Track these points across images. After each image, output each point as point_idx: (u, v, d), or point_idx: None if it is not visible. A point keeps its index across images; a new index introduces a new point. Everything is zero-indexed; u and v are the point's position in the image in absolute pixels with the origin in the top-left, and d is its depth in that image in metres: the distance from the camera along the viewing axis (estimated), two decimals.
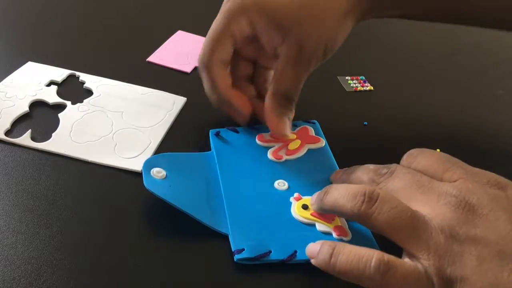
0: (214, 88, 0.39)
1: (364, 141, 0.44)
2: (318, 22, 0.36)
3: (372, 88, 0.52)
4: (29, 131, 0.40)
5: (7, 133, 0.40)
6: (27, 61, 0.49)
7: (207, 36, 0.38)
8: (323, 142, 0.41)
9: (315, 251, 0.28)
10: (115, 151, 0.39)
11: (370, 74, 0.55)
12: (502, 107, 0.52)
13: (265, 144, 0.40)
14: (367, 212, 0.27)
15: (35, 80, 0.46)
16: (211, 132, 0.41)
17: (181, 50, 0.55)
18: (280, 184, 0.36)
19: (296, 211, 0.34)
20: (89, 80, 0.47)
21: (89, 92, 0.46)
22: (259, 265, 0.31)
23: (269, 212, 0.34)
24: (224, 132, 0.41)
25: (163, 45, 0.56)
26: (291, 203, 0.35)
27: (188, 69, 0.52)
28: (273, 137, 0.40)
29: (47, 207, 0.34)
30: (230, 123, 0.42)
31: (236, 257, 0.31)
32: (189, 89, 0.48)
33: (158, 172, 0.35)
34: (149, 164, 0.35)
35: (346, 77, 0.54)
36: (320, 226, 0.33)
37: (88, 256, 0.31)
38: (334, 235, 0.32)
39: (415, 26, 0.70)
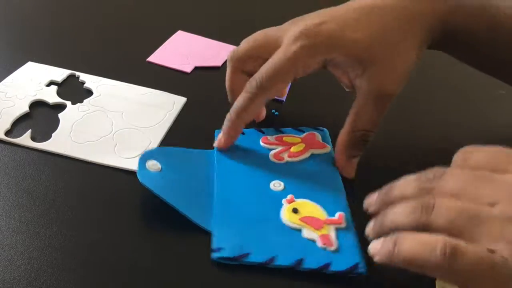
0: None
1: None
2: (395, 57, 0.35)
3: None
4: (29, 131, 0.40)
5: (7, 133, 0.40)
6: (27, 61, 0.49)
7: (270, 66, 0.36)
8: (328, 149, 0.40)
9: (377, 245, 0.27)
10: (115, 151, 0.39)
11: None
12: (503, 107, 0.52)
13: (269, 146, 0.40)
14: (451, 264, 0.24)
15: (35, 80, 0.46)
16: (217, 132, 0.41)
17: (181, 50, 0.55)
18: (276, 185, 0.36)
19: (285, 214, 0.34)
20: (89, 80, 0.47)
21: (89, 92, 0.46)
22: (247, 267, 0.30)
23: (258, 213, 0.34)
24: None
25: (163, 45, 0.56)
26: (282, 205, 0.34)
27: (188, 69, 0.52)
28: (278, 140, 0.40)
29: (47, 207, 0.34)
30: None
31: (213, 255, 0.31)
32: (189, 89, 0.48)
33: (153, 165, 0.35)
34: (146, 156, 0.36)
35: None
36: (306, 233, 0.32)
37: (88, 256, 0.31)
38: (319, 243, 0.31)
39: None
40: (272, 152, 0.39)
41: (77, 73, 0.48)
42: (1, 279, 0.28)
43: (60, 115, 0.42)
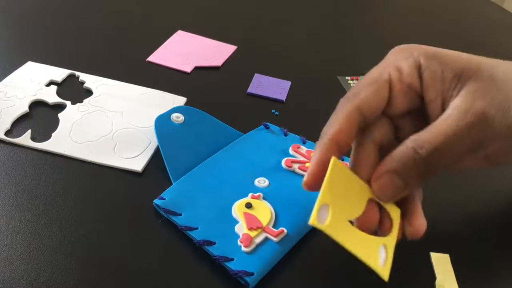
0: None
1: None
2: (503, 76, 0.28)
3: None
4: (29, 131, 0.40)
5: (7, 133, 0.40)
6: (27, 61, 0.49)
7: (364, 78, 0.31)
8: None
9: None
10: (115, 151, 0.39)
11: None
12: None
13: (294, 154, 0.40)
14: None
15: (35, 80, 0.46)
16: (263, 125, 0.43)
17: (181, 50, 0.55)
18: (260, 181, 0.37)
19: (237, 203, 0.34)
20: (89, 80, 0.47)
21: (89, 92, 0.46)
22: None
23: (220, 195, 0.35)
24: (272, 126, 0.43)
25: (163, 45, 0.56)
26: (246, 196, 0.35)
27: (188, 69, 0.52)
28: (307, 153, 0.40)
29: (47, 207, 0.34)
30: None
31: (155, 200, 0.34)
32: (189, 89, 0.48)
33: (177, 117, 0.40)
34: (180, 109, 0.42)
35: (346, 77, 0.54)
36: (238, 226, 0.33)
37: (88, 256, 0.31)
38: (239, 240, 0.32)
39: (415, 26, 0.70)
40: (286, 158, 0.39)
41: (77, 73, 0.48)
42: (1, 279, 0.28)
43: (60, 115, 0.42)
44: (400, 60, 0.30)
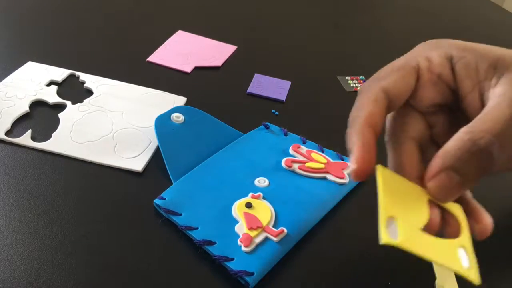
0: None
1: None
2: None
3: None
4: (29, 131, 0.40)
5: (7, 133, 0.40)
6: (27, 61, 0.49)
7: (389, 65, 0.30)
8: (346, 181, 0.38)
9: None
10: (115, 151, 0.39)
11: (370, 74, 0.54)
12: None
13: (294, 154, 0.40)
14: None
15: (35, 80, 0.46)
16: (263, 125, 0.43)
17: (181, 50, 0.55)
18: (260, 181, 0.37)
19: (237, 202, 0.34)
20: (89, 80, 0.47)
21: (89, 92, 0.46)
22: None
23: (220, 197, 0.35)
24: (272, 126, 0.43)
25: (163, 45, 0.56)
26: (246, 196, 0.35)
27: (188, 69, 0.52)
28: (307, 153, 0.40)
29: (47, 207, 0.34)
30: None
31: (155, 200, 0.34)
32: (189, 89, 0.48)
33: (177, 117, 0.40)
34: (180, 109, 0.41)
35: (346, 77, 0.54)
36: (239, 226, 0.33)
37: (88, 256, 0.31)
38: (239, 240, 0.32)
39: (415, 26, 0.70)
40: (286, 158, 0.39)
41: (77, 73, 0.48)
42: (1, 279, 0.28)
43: (60, 115, 0.42)
44: (429, 51, 0.29)
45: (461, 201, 0.27)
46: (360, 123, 0.26)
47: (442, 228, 0.26)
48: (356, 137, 0.26)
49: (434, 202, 0.26)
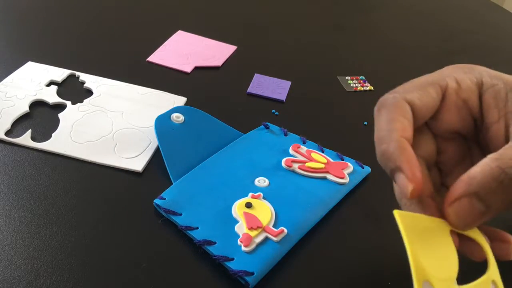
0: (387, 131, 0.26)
1: (364, 141, 0.44)
2: None
3: (372, 88, 0.52)
4: (29, 131, 0.40)
5: (7, 133, 0.40)
6: (27, 61, 0.49)
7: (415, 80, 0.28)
8: (346, 181, 0.38)
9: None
10: (115, 151, 0.39)
11: (370, 74, 0.55)
12: None
13: (294, 154, 0.40)
14: None
15: (35, 80, 0.46)
16: (263, 125, 0.43)
17: (181, 50, 0.55)
18: (260, 181, 0.37)
19: (237, 202, 0.34)
20: (89, 80, 0.47)
21: (89, 92, 0.46)
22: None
23: (220, 197, 0.35)
24: (272, 126, 0.43)
25: (163, 45, 0.56)
26: (246, 196, 0.35)
27: (188, 69, 0.52)
28: (307, 153, 0.40)
29: (47, 207, 0.34)
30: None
31: (155, 200, 0.34)
32: (189, 89, 0.48)
33: (177, 117, 0.40)
34: (180, 109, 0.41)
35: (346, 77, 0.54)
36: (238, 226, 0.33)
37: (88, 256, 0.31)
38: (239, 240, 0.32)
39: (415, 26, 0.70)
40: (286, 158, 0.39)
41: (77, 73, 0.48)
42: (1, 279, 0.28)
43: (60, 115, 0.42)
44: (460, 73, 0.27)
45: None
46: (398, 138, 0.24)
47: (467, 253, 0.25)
48: (400, 154, 0.24)
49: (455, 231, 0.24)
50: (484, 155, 0.25)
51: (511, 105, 0.26)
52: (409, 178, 0.23)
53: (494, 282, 0.24)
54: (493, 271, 0.24)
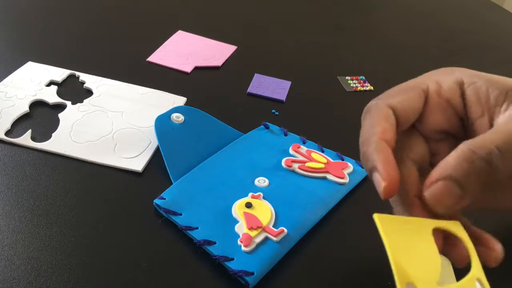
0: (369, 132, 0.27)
1: None
2: None
3: (372, 88, 0.52)
4: (29, 131, 0.40)
5: (7, 133, 0.40)
6: (27, 61, 0.49)
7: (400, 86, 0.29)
8: (346, 181, 0.38)
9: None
10: (115, 151, 0.39)
11: (370, 74, 0.55)
12: None
13: (294, 153, 0.40)
14: None
15: (35, 80, 0.46)
16: (263, 125, 0.43)
17: (181, 50, 0.55)
18: (260, 181, 0.37)
19: (237, 202, 0.34)
20: (89, 80, 0.47)
21: (89, 92, 0.46)
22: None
23: (220, 197, 0.35)
24: (272, 126, 0.43)
25: (163, 45, 0.56)
26: (246, 196, 0.35)
27: (188, 69, 0.52)
28: (307, 153, 0.40)
29: (47, 207, 0.34)
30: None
31: (155, 200, 0.34)
32: (189, 89, 0.48)
33: (177, 117, 0.40)
34: (180, 109, 0.41)
35: (346, 77, 0.54)
36: (238, 226, 0.33)
37: (88, 256, 0.31)
38: (239, 240, 0.32)
39: (415, 26, 0.70)
40: (286, 158, 0.39)
41: (77, 73, 0.48)
42: (1, 279, 0.28)
43: (60, 115, 0.42)
44: (440, 75, 0.29)
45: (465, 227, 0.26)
46: (376, 140, 0.25)
47: (450, 253, 0.25)
48: (377, 155, 0.25)
49: (441, 231, 0.25)
50: None
51: (493, 99, 0.27)
52: (382, 176, 0.24)
53: (479, 280, 0.24)
54: (477, 269, 0.24)
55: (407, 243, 0.24)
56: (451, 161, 0.23)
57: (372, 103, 0.28)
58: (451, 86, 0.28)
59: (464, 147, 0.23)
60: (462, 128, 0.29)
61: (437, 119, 0.28)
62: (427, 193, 0.24)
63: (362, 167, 0.40)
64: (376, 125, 0.26)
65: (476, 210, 0.25)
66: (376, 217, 0.24)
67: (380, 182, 0.24)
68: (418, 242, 0.24)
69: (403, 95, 0.28)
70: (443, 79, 0.28)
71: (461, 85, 0.28)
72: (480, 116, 0.27)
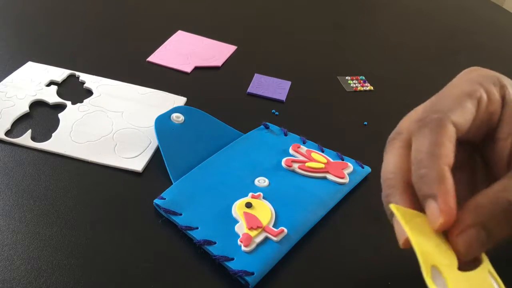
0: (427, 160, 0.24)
1: (364, 141, 0.44)
2: None
3: (372, 88, 0.52)
4: (29, 131, 0.40)
5: (7, 133, 0.40)
6: (27, 61, 0.49)
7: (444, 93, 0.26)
8: (346, 181, 0.38)
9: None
10: (115, 151, 0.39)
11: (370, 74, 0.55)
12: None
13: (294, 153, 0.40)
14: None
15: (35, 80, 0.46)
16: (263, 125, 0.43)
17: (181, 50, 0.55)
18: (260, 181, 0.37)
19: (237, 202, 0.34)
20: (89, 80, 0.47)
21: (89, 92, 0.46)
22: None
23: (220, 197, 0.35)
24: (272, 126, 0.43)
25: (163, 45, 0.56)
26: (246, 196, 0.35)
27: (188, 69, 0.52)
28: (307, 153, 0.40)
29: (47, 207, 0.34)
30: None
31: (155, 200, 0.34)
32: (189, 89, 0.48)
33: (177, 117, 0.40)
34: (180, 109, 0.42)
35: (346, 77, 0.54)
36: (239, 226, 0.33)
37: (87, 256, 0.31)
38: (239, 240, 0.32)
39: (415, 26, 0.70)
40: (286, 158, 0.39)
41: (77, 73, 0.48)
42: (1, 279, 0.28)
43: (60, 115, 0.42)
44: (488, 83, 0.26)
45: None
46: (441, 166, 0.23)
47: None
48: (439, 183, 0.23)
49: None
50: (485, 164, 0.25)
51: None
52: (441, 209, 0.22)
53: (490, 272, 0.24)
54: (487, 264, 0.24)
55: (421, 231, 0.23)
56: (487, 207, 0.22)
57: (433, 116, 0.25)
58: (497, 100, 0.26)
59: (500, 193, 0.22)
60: (484, 139, 0.27)
61: (473, 130, 0.26)
62: (460, 239, 0.23)
63: (363, 167, 0.40)
64: (440, 145, 0.23)
65: None
66: (393, 207, 0.24)
67: (437, 216, 0.22)
68: (430, 232, 0.24)
69: (461, 107, 0.25)
70: (491, 90, 0.26)
71: (503, 98, 0.26)
72: (504, 138, 0.26)
